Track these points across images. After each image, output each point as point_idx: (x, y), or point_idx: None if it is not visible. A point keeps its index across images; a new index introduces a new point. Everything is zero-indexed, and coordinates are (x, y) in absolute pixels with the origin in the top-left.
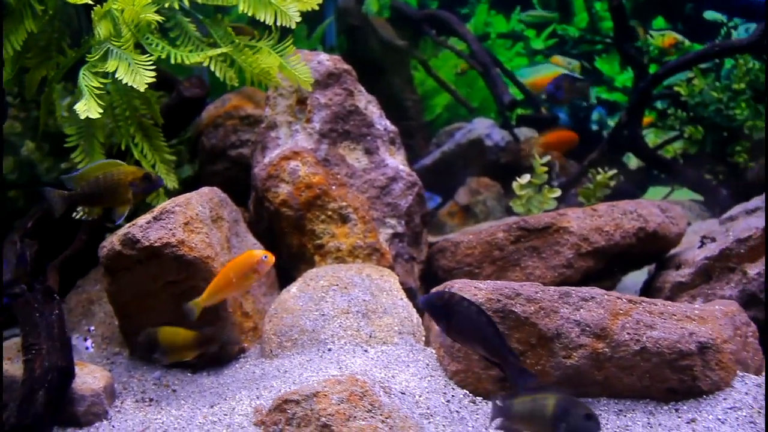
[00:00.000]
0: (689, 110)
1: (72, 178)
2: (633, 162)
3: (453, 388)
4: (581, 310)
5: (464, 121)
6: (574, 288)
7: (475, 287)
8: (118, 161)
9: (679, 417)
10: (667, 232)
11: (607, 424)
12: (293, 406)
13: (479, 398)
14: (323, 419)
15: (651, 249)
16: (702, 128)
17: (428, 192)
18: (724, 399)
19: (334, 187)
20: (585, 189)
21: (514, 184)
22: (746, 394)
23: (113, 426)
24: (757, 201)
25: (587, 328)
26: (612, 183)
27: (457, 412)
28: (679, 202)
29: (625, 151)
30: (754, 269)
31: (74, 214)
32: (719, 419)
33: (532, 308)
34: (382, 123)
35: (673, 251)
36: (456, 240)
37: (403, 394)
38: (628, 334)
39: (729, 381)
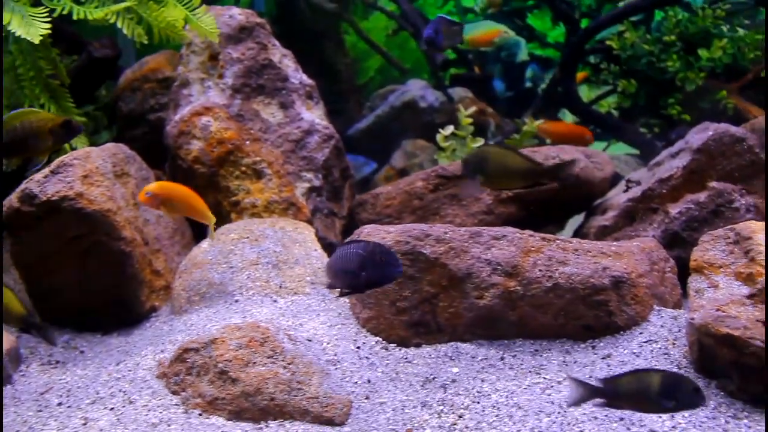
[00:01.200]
0: (622, 64)
1: None
2: (568, 118)
3: (365, 336)
4: (492, 248)
5: (397, 83)
6: (485, 227)
7: (384, 231)
8: (36, 109)
9: (595, 354)
10: (591, 177)
11: (522, 364)
12: (192, 354)
13: (392, 345)
14: (221, 365)
15: (576, 194)
16: (635, 81)
17: (363, 157)
18: (640, 333)
19: (247, 143)
20: (512, 139)
21: (438, 137)
22: (662, 327)
23: (16, 389)
24: (681, 143)
25: (498, 267)
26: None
27: (366, 358)
28: (616, 157)
29: (560, 107)
30: (675, 208)
31: None
32: (634, 353)
33: (442, 249)
34: (298, 77)
35: (602, 199)
36: (376, 192)
37: (310, 341)
38: (540, 270)
39: (645, 315)
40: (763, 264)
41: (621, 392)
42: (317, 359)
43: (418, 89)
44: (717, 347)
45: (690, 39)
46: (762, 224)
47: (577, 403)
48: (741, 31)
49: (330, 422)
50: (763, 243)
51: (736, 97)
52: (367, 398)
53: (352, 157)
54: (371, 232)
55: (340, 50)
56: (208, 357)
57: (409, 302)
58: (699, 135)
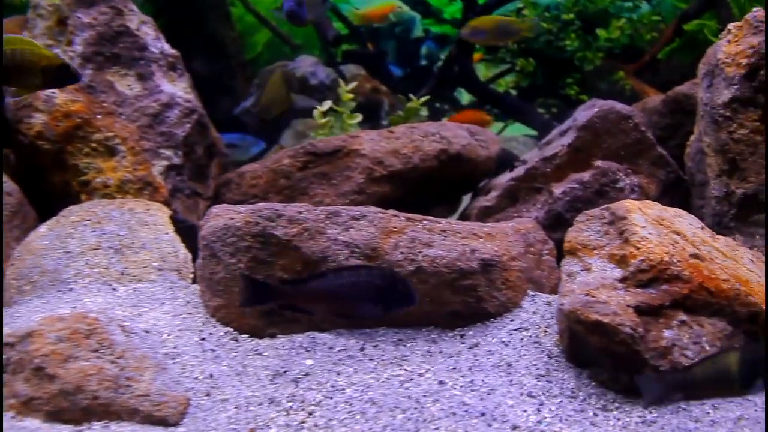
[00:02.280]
0: (520, 42)
1: None
2: (465, 97)
3: (214, 326)
4: (351, 230)
5: (287, 60)
6: (345, 207)
7: (233, 211)
8: (33, 41)
9: (463, 343)
10: (473, 155)
11: (383, 356)
12: (8, 350)
13: (244, 336)
14: (36, 361)
15: (458, 173)
16: (533, 60)
17: (252, 137)
18: (512, 320)
19: (99, 116)
20: (396, 117)
21: (315, 112)
22: (534, 313)
23: None
24: (569, 121)
25: (357, 250)
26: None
27: (211, 350)
28: (513, 138)
29: (456, 86)
30: (559, 188)
31: None
32: (503, 342)
33: (295, 230)
34: (159, 46)
35: (489, 179)
36: (242, 170)
37: (148, 332)
38: (401, 253)
39: (518, 301)
40: (637, 245)
41: (698, 381)
42: (153, 353)
43: (308, 66)
44: (587, 335)
45: (588, 18)
46: (638, 203)
47: (655, 402)
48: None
49: (163, 422)
50: (638, 223)
51: (633, 78)
52: (207, 395)
53: (240, 137)
54: (220, 213)
55: (226, 23)
56: (24, 352)
57: None
58: (585, 112)
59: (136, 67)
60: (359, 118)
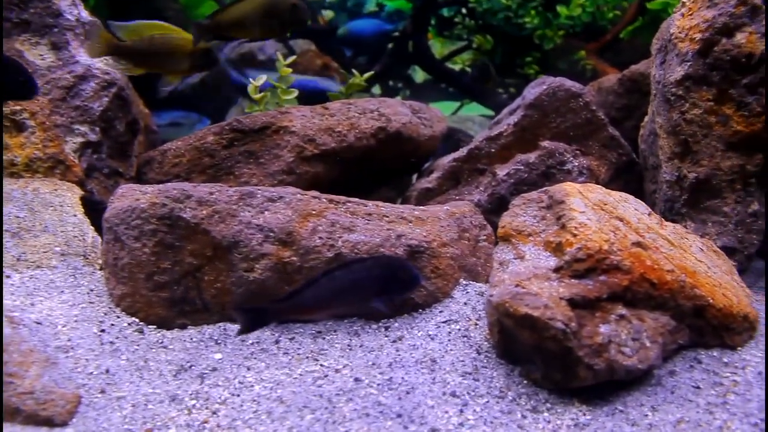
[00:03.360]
0: (477, 18)
1: (122, 27)
2: (420, 75)
3: (118, 317)
4: (266, 212)
5: None
6: (262, 188)
7: (139, 191)
8: (173, 26)
9: (387, 336)
10: (415, 134)
11: (299, 349)
12: None
13: (151, 327)
14: None
15: (399, 153)
16: (491, 38)
17: (196, 114)
18: (440, 312)
19: None
20: (336, 93)
21: (249, 87)
22: (465, 304)
23: None
24: (519, 100)
25: (271, 234)
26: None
27: (111, 343)
28: (470, 118)
29: (410, 64)
30: (503, 170)
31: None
32: (429, 335)
33: (205, 212)
34: (75, 13)
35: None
36: (164, 148)
37: (40, 324)
38: (320, 238)
39: (448, 291)
40: (574, 232)
41: None
42: (43, 346)
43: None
44: (517, 329)
45: None
46: (578, 186)
47: None
48: None
49: (48, 422)
50: (577, 208)
51: (594, 58)
52: (102, 392)
53: (184, 114)
54: (125, 193)
55: None
56: None
57: (169, 276)
58: (533, 89)
59: (49, 36)
60: (295, 93)
